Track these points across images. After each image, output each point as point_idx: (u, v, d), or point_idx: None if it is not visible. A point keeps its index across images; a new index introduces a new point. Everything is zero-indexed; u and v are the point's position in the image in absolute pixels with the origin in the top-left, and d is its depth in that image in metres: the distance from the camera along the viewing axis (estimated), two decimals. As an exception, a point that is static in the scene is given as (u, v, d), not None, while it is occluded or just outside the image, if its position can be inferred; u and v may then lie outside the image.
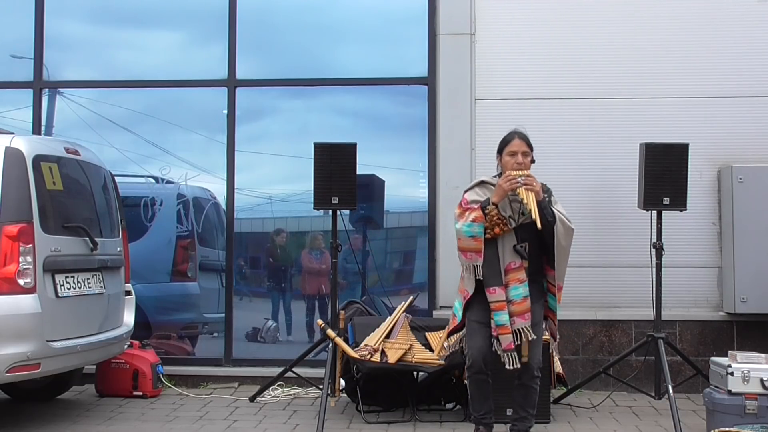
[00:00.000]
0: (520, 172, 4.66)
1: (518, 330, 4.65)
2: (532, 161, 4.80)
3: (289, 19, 7.69)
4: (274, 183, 7.83)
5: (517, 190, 4.62)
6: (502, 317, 4.63)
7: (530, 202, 4.58)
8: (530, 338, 4.67)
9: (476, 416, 4.84)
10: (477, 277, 4.67)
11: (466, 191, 4.85)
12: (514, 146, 4.76)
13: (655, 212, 6.05)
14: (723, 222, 6.92)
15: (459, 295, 4.86)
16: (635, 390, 6.35)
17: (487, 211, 4.61)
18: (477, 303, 4.74)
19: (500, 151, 4.84)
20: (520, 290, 4.65)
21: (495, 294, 4.65)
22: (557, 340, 5.19)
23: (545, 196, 4.70)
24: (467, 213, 4.66)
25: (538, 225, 4.53)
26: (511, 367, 4.65)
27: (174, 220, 7.74)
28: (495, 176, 4.86)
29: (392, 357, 5.84)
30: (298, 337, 7.57)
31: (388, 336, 5.98)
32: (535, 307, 4.74)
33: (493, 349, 4.67)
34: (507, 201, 4.67)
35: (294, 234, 7.90)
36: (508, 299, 4.66)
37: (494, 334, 4.66)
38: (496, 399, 5.37)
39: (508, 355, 4.64)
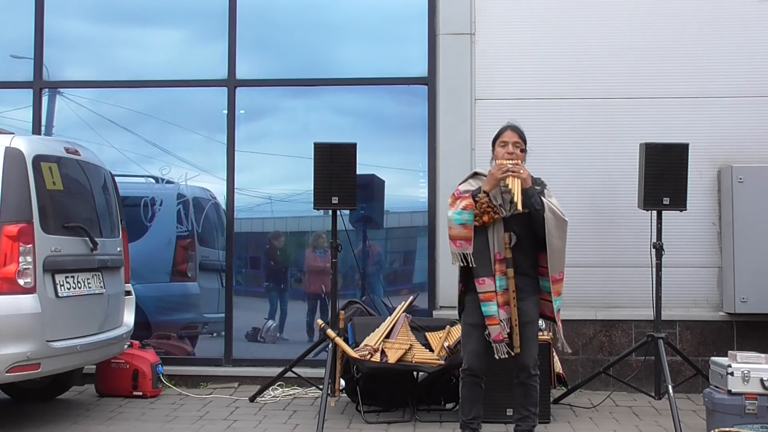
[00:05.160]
0: (511, 161, 4.72)
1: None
2: (522, 151, 4.81)
3: (289, 18, 7.70)
4: (274, 183, 7.83)
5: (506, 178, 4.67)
6: (490, 308, 4.64)
7: (515, 188, 4.62)
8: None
9: (464, 420, 4.81)
10: (469, 265, 4.65)
11: (460, 183, 4.89)
12: (506, 137, 4.82)
13: (655, 212, 6.05)
14: (723, 222, 6.92)
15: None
16: (635, 390, 6.35)
17: (477, 199, 4.64)
18: (471, 304, 4.73)
19: (494, 143, 4.91)
20: (502, 282, 4.67)
21: (484, 285, 4.66)
22: (561, 342, 4.94)
23: (538, 188, 4.72)
24: (458, 201, 4.69)
25: (519, 207, 4.57)
26: (498, 357, 4.66)
27: (174, 220, 7.74)
28: (490, 168, 4.89)
29: (392, 357, 5.84)
30: (299, 337, 7.57)
31: (388, 336, 5.98)
32: (527, 303, 4.72)
33: (488, 340, 4.66)
34: (498, 191, 4.70)
35: (294, 234, 7.91)
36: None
37: (487, 324, 4.66)
38: (496, 399, 5.36)
39: (496, 345, 4.66)
